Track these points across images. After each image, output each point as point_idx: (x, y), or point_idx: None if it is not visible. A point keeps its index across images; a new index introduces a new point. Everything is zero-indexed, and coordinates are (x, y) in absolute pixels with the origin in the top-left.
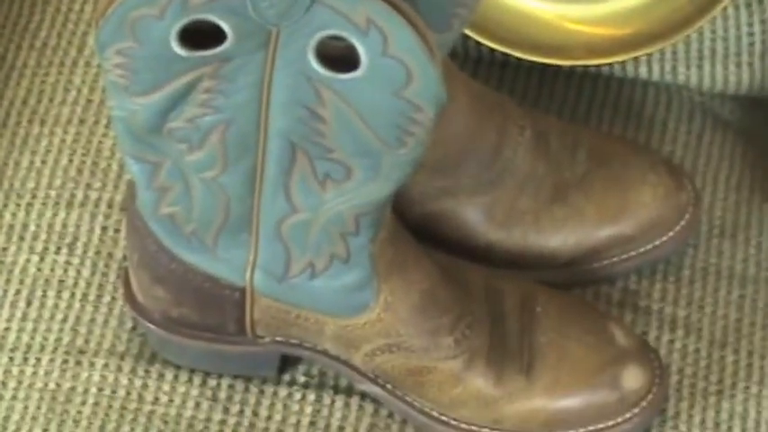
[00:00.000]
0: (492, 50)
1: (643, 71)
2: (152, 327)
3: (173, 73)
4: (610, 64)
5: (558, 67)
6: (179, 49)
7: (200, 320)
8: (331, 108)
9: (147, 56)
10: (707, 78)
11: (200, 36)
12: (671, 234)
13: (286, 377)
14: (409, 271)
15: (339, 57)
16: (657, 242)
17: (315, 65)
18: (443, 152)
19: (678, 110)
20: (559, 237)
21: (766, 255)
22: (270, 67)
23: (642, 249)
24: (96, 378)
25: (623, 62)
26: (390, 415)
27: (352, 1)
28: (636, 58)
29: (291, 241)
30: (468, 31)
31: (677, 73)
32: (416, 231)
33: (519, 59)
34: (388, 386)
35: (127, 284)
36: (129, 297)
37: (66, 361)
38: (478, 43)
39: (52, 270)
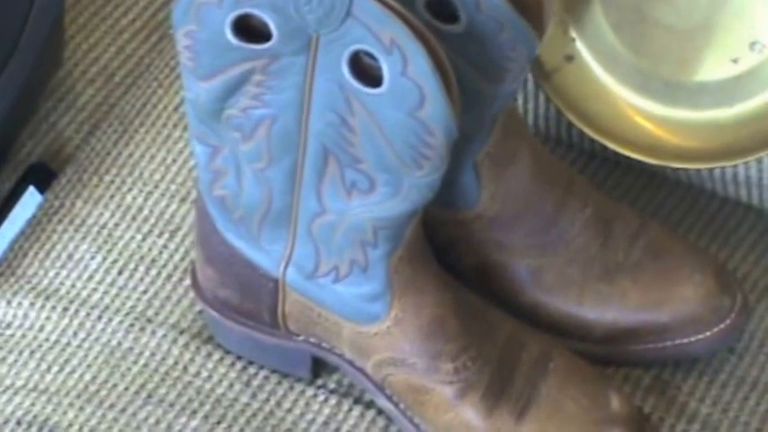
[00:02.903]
0: (582, 136)
1: (743, 194)
2: (205, 305)
3: (228, 61)
4: (696, 169)
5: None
6: (232, 38)
7: (240, 305)
8: (359, 119)
9: (206, 40)
10: None
11: (257, 34)
12: (707, 334)
13: (318, 381)
14: (424, 294)
15: (375, 74)
16: (693, 338)
17: (347, 75)
18: (500, 208)
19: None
20: (597, 311)
21: None
22: (311, 70)
23: (678, 341)
24: (153, 344)
25: (710, 169)
26: None
27: (380, 21)
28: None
29: (320, 242)
30: (571, 117)
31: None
32: (470, 280)
33: (616, 153)
34: (401, 405)
35: (194, 265)
36: (193, 276)
37: (132, 325)
38: (570, 127)
39: (150, 249)
